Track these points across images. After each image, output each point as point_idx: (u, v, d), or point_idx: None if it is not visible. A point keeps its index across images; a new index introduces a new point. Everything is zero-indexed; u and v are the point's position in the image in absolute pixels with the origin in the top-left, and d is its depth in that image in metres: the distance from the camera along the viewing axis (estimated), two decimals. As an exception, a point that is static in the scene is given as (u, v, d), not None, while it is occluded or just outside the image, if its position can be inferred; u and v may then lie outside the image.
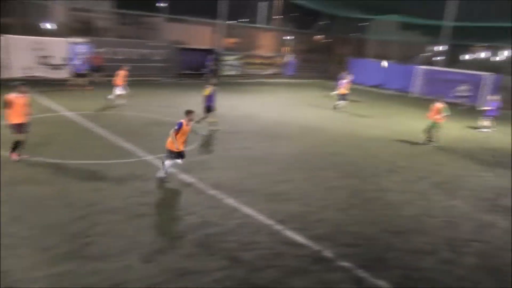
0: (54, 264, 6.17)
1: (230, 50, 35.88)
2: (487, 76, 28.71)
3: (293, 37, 44.85)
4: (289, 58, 38.42)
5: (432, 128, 16.01)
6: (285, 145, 14.41)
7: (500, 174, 13.19)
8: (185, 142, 9.76)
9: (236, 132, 15.64)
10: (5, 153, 10.32)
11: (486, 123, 20.50)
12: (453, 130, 19.02)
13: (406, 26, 39.19)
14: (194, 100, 16.76)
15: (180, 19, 34.92)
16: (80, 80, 21.97)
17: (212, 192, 9.48)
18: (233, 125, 16.51)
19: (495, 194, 11.24)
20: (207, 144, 13.94)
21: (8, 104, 9.91)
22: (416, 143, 16.20)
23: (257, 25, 42.75)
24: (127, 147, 12.31)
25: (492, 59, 43.60)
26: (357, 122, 19.77)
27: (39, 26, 34.38)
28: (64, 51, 23.70)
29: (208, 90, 15.20)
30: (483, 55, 44.50)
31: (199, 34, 37.86)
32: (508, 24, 28.89)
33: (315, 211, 9.04)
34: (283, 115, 19.93)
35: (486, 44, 39.39)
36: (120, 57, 26.13)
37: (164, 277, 6.13)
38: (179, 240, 7.31)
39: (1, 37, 21.67)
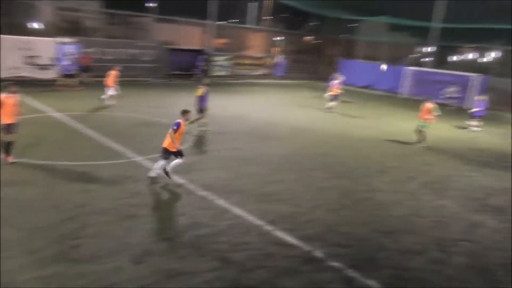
0: (42, 267, 6.07)
1: (220, 50, 35.82)
2: (475, 77, 29.03)
3: (283, 38, 44.92)
4: (279, 59, 38.47)
5: (422, 128, 16.14)
6: (276, 146, 14.41)
7: (488, 174, 13.33)
8: (181, 142, 9.73)
9: (226, 133, 15.60)
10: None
11: (474, 123, 20.74)
12: (442, 130, 19.18)
13: (395, 28, 39.50)
14: (184, 100, 16.69)
15: (170, 19, 34.77)
16: (70, 81, 21.76)
17: (203, 193, 9.43)
18: (223, 126, 16.47)
19: (484, 194, 11.35)
20: (197, 145, 13.88)
21: None
22: (407, 143, 16.31)
23: (247, 26, 42.73)
24: (116, 148, 12.21)
25: (479, 60, 44.06)
26: (347, 123, 19.85)
27: (26, 25, 33.96)
28: (51, 51, 23.44)
29: (201, 90, 15.10)
30: (470, 56, 44.96)
31: (188, 35, 37.72)
32: (495, 26, 29.28)
33: (306, 211, 9.04)
34: (274, 115, 19.94)
35: (474, 46, 39.81)
36: (109, 57, 26.00)
37: (155, 278, 6.08)
38: (170, 241, 7.25)
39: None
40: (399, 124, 20.72)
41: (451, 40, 34.09)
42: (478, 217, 9.69)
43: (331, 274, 6.67)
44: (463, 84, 28.87)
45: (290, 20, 44.31)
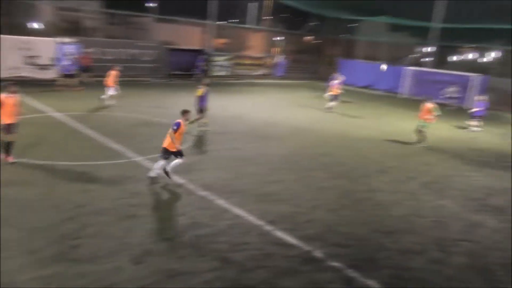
0: (42, 267, 6.07)
1: (220, 50, 35.82)
2: (475, 77, 29.03)
3: (283, 38, 44.92)
4: (279, 59, 38.47)
5: (422, 128, 16.15)
6: (276, 146, 14.41)
7: (488, 174, 13.33)
8: (181, 142, 9.75)
9: (226, 133, 15.60)
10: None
11: (474, 123, 20.74)
12: (442, 130, 19.18)
13: (395, 28, 39.50)
14: (184, 100, 16.70)
15: (170, 19, 34.77)
16: (70, 81, 21.76)
17: (203, 193, 9.43)
18: (223, 126, 16.47)
19: (484, 194, 11.35)
20: (197, 145, 13.88)
21: None
22: (407, 143, 16.31)
23: (247, 26, 42.73)
24: (116, 148, 12.21)
25: (479, 60, 44.06)
26: (347, 123, 19.86)
27: (26, 25, 33.95)
28: (51, 51, 23.43)
29: (201, 90, 15.09)
30: (470, 56, 44.96)
31: (188, 35, 37.74)
32: (495, 26, 29.29)
33: (306, 211, 9.04)
34: (274, 115, 19.94)
35: (474, 46, 39.82)
36: (109, 57, 25.99)
37: (155, 278, 6.08)
38: (170, 241, 7.26)
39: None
40: (399, 124, 20.72)
41: (451, 40, 34.10)
42: (478, 217, 9.69)
43: (331, 274, 6.67)
44: (463, 84, 28.87)
45: (290, 20, 44.32)
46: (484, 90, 26.33)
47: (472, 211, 10.04)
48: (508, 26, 28.52)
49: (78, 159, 10.85)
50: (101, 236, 7.10)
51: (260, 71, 37.15)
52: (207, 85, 15.49)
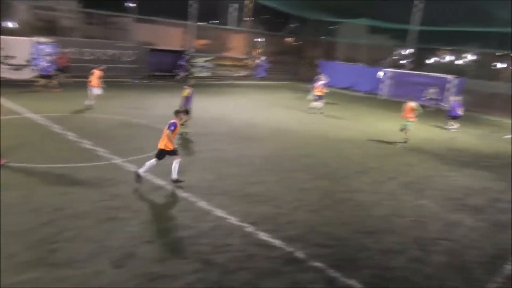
0: (19, 272, 5.92)
1: (201, 51, 35.68)
2: (452, 79, 29.62)
3: (264, 39, 45.03)
4: (260, 60, 38.54)
5: (406, 127, 16.45)
6: (257, 147, 14.40)
7: (467, 174, 13.60)
8: (174, 141, 9.73)
9: (208, 134, 15.52)
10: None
11: (451, 123, 21.19)
12: (421, 131, 19.49)
13: (375, 30, 40.05)
14: (163, 101, 16.58)
15: (150, 20, 34.46)
16: (49, 82, 21.33)
17: (184, 194, 9.36)
18: (204, 127, 16.38)
19: (463, 194, 11.57)
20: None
21: None
22: (388, 144, 16.53)
23: (228, 27, 42.70)
24: (95, 150, 12.02)
25: (456, 62, 44.99)
26: (328, 124, 20.00)
27: (0, 24, 33.13)
28: (27, 51, 22.95)
29: (187, 91, 14.98)
30: (447, 58, 45.87)
31: (169, 35, 37.45)
32: (471, 29, 29.95)
33: (287, 212, 9.05)
34: (255, 117, 19.94)
35: (451, 48, 40.64)
36: (87, 58, 25.61)
37: (136, 282, 5.99)
38: (151, 244, 7.17)
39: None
40: (379, 125, 20.97)
41: (428, 43, 34.75)
42: (457, 216, 9.87)
43: (313, 275, 6.69)
44: (441, 86, 29.44)
45: (271, 21, 44.50)
46: (460, 92, 26.90)
47: (451, 210, 10.22)
48: (483, 29, 29.22)
49: (57, 161, 10.64)
50: (81, 240, 6.97)
51: (241, 72, 37.15)
52: (193, 86, 15.39)
